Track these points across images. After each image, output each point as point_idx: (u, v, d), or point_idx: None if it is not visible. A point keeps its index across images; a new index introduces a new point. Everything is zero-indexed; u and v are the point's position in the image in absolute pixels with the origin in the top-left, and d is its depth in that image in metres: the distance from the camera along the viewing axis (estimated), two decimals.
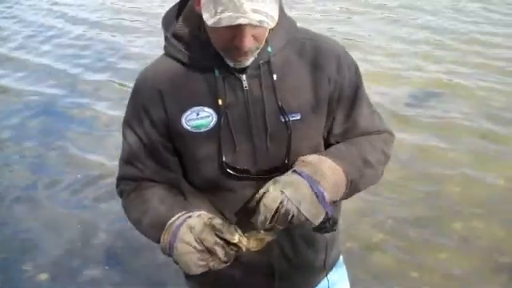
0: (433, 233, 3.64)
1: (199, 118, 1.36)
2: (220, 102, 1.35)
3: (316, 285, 1.64)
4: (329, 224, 1.49)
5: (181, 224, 1.29)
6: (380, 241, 3.55)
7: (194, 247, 1.25)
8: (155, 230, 1.35)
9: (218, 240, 1.25)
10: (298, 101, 1.39)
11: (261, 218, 1.30)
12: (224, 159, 1.36)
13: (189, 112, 1.37)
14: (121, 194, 1.50)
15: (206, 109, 1.36)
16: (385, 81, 6.09)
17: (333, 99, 1.45)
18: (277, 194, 1.29)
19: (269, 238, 1.31)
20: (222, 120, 1.35)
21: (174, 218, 1.32)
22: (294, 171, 1.33)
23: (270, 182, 1.33)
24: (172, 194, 1.44)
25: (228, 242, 1.26)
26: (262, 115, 1.36)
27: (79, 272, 3.56)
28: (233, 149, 1.36)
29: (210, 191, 1.44)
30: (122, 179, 1.48)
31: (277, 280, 1.53)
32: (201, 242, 1.24)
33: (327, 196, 1.33)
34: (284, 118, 1.36)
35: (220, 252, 1.25)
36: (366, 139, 1.48)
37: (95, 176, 4.66)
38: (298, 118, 1.38)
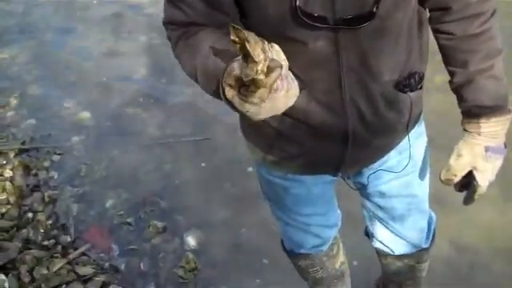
0: None
1: None
2: None
3: (393, 148, 1.47)
4: (414, 81, 1.32)
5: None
6: None
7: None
8: (211, 83, 1.10)
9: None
10: None
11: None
12: (297, 3, 1.12)
13: None
14: (169, 40, 1.28)
15: None
16: None
17: None
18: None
19: None
20: None
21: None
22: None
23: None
24: (223, 37, 1.16)
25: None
26: None
27: (119, 110, 3.48)
28: None
29: (276, 41, 1.17)
30: (167, 23, 1.26)
31: (350, 146, 1.35)
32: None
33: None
34: None
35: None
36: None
37: None
38: None
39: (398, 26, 1.22)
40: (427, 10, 1.33)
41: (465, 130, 1.38)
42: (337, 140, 1.34)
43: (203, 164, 2.99)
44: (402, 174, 1.52)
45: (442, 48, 1.35)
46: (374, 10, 1.13)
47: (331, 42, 1.18)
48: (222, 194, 2.78)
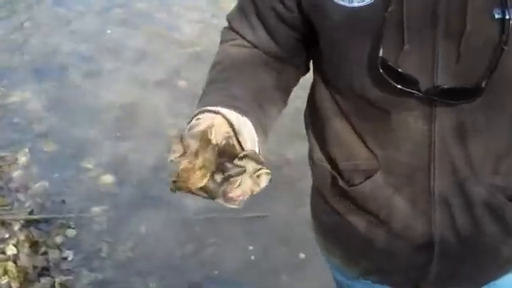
0: None
1: None
2: None
3: (496, 279, 1.24)
4: None
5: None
6: None
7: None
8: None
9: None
10: None
11: None
12: (381, 54, 0.97)
13: None
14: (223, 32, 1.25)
15: None
16: None
17: None
18: None
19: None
20: None
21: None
22: None
23: None
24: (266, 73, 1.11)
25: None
26: (461, 3, 0.94)
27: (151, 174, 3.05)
28: (398, 45, 0.97)
29: (354, 105, 1.10)
30: (229, 22, 1.21)
31: (435, 257, 1.16)
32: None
33: None
34: (503, 13, 0.94)
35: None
36: None
37: None
38: None
39: None
40: None
41: None
42: (419, 247, 1.15)
43: (251, 247, 2.63)
44: None
45: None
46: (483, 84, 0.95)
47: (424, 116, 1.03)
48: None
